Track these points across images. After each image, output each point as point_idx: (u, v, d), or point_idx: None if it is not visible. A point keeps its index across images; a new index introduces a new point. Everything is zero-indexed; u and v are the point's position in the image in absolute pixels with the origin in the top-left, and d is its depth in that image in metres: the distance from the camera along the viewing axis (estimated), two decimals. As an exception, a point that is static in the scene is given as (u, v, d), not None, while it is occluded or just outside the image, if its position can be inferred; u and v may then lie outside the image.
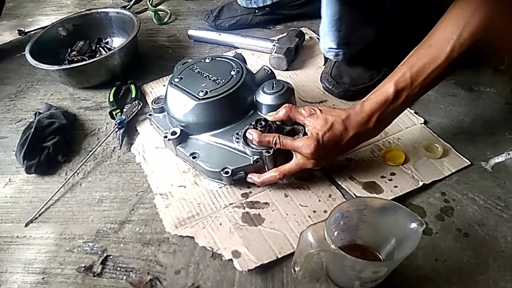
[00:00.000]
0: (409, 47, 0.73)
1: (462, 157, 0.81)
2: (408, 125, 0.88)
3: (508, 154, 0.81)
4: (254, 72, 0.90)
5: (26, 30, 1.45)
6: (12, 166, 0.94)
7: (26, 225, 0.80)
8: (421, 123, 0.88)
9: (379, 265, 0.59)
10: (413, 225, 0.56)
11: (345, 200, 0.76)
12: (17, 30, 1.46)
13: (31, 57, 1.08)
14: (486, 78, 0.99)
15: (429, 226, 0.71)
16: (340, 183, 0.79)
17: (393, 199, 0.73)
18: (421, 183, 0.76)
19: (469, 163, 0.80)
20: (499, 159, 0.81)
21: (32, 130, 0.92)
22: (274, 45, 1.10)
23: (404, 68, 0.70)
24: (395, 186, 0.76)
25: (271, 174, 0.75)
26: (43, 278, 0.71)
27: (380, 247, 0.64)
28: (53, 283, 0.70)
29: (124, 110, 0.98)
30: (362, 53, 0.95)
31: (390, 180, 0.78)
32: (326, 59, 1.07)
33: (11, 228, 0.80)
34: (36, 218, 0.81)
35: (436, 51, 0.68)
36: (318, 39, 1.18)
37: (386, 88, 0.70)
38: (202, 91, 0.82)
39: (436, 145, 0.82)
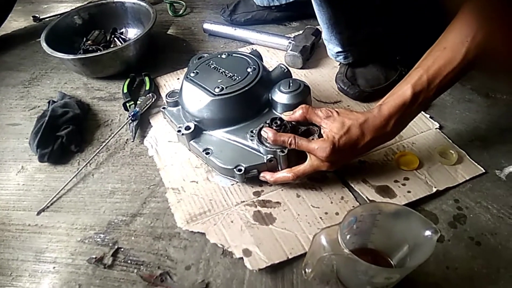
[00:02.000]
0: (424, 45, 0.73)
1: (476, 164, 0.80)
2: (423, 129, 0.88)
3: (523, 163, 0.81)
4: (270, 70, 0.89)
5: (41, 17, 1.45)
6: (25, 153, 0.94)
7: (38, 213, 0.81)
8: (436, 128, 0.88)
9: (392, 272, 0.59)
10: (427, 232, 0.56)
11: (357, 203, 0.76)
12: (32, 16, 1.46)
13: (46, 45, 1.08)
14: (503, 85, 0.98)
15: (442, 233, 0.71)
16: (352, 185, 0.78)
17: (406, 204, 0.73)
18: (434, 189, 0.76)
19: (484, 171, 0.79)
20: (514, 168, 0.80)
21: (46, 118, 0.92)
22: (290, 43, 1.10)
23: (420, 71, 0.69)
24: (409, 191, 0.76)
25: (285, 174, 0.75)
26: (54, 267, 0.72)
27: (391, 252, 0.64)
28: (64, 273, 0.71)
29: (138, 102, 0.98)
30: (374, 52, 0.94)
31: (404, 184, 0.77)
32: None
33: (23, 216, 0.81)
34: (48, 207, 0.82)
35: (452, 53, 0.67)
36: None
37: (403, 92, 0.69)
38: (218, 87, 0.81)
39: (450, 151, 0.82)
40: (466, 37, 0.65)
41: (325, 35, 0.94)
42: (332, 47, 0.96)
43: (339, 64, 1.06)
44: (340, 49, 0.94)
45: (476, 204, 0.75)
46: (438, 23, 0.72)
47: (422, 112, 0.89)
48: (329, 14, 0.86)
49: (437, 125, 0.88)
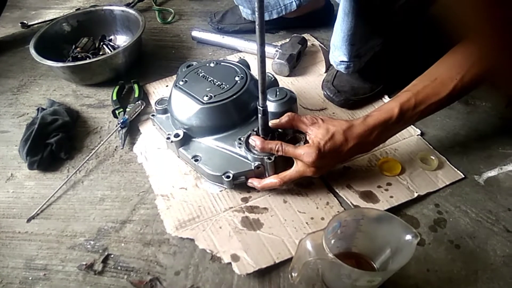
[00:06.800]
0: (409, 65, 0.76)
1: (456, 170, 0.83)
2: (405, 136, 0.90)
3: (501, 168, 0.84)
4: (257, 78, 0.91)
5: (29, 23, 1.45)
6: (14, 161, 0.95)
7: (28, 221, 0.81)
8: (418, 135, 0.91)
9: (374, 275, 0.61)
10: (408, 237, 0.58)
11: (342, 208, 0.78)
12: (20, 23, 1.45)
13: (35, 52, 1.09)
14: (482, 92, 1.01)
15: (422, 237, 0.73)
16: (337, 191, 0.81)
17: (388, 209, 0.75)
18: (416, 194, 0.79)
19: (463, 176, 0.82)
20: (492, 173, 0.83)
21: (36, 126, 0.93)
22: (276, 51, 1.12)
23: (409, 94, 0.74)
24: (391, 196, 0.79)
25: (272, 180, 0.77)
26: (44, 274, 0.73)
27: (374, 256, 0.66)
28: (54, 280, 0.72)
29: (127, 109, 0.99)
30: (367, 65, 0.96)
31: (386, 190, 0.80)
32: (328, 67, 1.10)
33: (13, 223, 0.81)
34: (38, 214, 0.82)
35: (440, 86, 0.73)
36: (321, 46, 1.20)
37: (391, 108, 0.73)
38: (207, 96, 0.83)
39: (431, 157, 0.84)
40: (456, 74, 0.71)
41: (337, 42, 0.93)
42: (337, 55, 0.96)
43: (324, 72, 1.08)
44: (345, 59, 0.94)
45: (455, 208, 0.78)
46: (430, 54, 0.76)
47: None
48: (351, 25, 0.87)
49: (419, 132, 0.91)
